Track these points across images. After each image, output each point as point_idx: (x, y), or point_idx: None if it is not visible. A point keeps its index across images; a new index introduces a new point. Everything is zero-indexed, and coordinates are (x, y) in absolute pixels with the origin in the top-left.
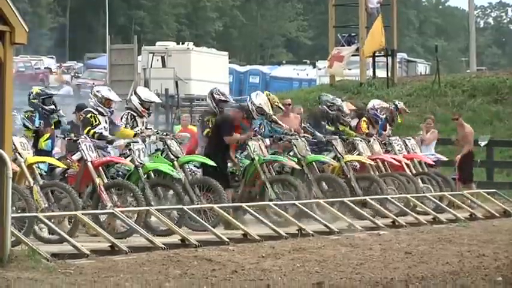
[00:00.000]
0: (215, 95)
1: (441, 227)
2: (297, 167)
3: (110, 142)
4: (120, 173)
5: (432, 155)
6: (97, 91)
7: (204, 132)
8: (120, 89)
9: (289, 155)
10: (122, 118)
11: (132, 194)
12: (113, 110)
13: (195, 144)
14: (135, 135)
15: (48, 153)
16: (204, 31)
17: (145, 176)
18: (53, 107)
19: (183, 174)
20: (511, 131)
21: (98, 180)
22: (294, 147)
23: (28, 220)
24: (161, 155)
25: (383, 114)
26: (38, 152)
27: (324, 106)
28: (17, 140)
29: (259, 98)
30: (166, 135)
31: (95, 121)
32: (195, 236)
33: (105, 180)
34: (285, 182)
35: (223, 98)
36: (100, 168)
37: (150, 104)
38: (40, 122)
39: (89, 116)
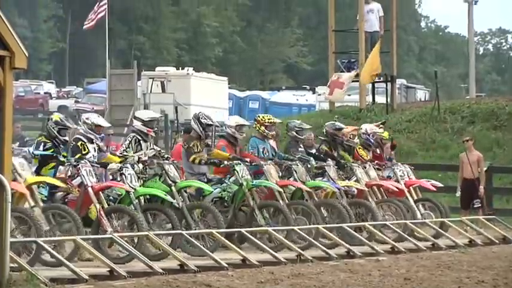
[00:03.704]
0: (202, 120)
1: (440, 253)
2: (306, 188)
3: (104, 165)
4: (111, 197)
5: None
6: (86, 118)
7: (190, 159)
8: (120, 114)
9: (289, 181)
10: (125, 140)
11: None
12: (103, 136)
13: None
14: (120, 162)
15: None
16: (204, 56)
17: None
18: (67, 138)
19: (181, 199)
20: (511, 157)
21: (98, 206)
22: (294, 172)
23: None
24: (159, 179)
25: (374, 138)
26: None
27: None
28: (16, 160)
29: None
30: (167, 158)
31: (84, 149)
32: (194, 261)
33: (105, 206)
34: (273, 207)
35: (209, 122)
36: (100, 193)
37: (153, 122)
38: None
39: (79, 143)
